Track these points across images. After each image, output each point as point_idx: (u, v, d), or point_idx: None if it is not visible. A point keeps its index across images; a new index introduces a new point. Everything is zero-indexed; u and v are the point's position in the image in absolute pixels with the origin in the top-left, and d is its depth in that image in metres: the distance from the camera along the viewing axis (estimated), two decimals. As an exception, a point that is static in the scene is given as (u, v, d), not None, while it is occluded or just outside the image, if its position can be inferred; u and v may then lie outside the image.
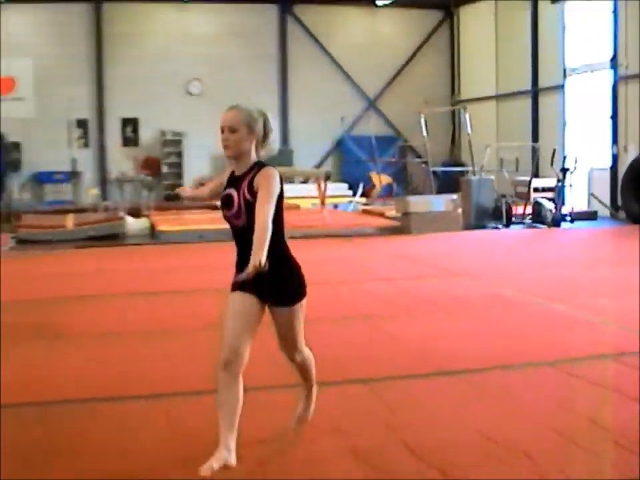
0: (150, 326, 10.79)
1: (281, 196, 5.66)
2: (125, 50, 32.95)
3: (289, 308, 5.85)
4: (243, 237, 5.65)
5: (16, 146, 30.95)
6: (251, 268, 5.24)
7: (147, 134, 33.54)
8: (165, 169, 33.43)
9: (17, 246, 20.93)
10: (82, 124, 32.45)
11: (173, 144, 33.55)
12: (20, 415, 7.18)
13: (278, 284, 5.72)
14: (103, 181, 32.86)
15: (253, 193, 5.57)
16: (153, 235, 22.13)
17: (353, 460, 5.81)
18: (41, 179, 32.11)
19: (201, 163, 33.22)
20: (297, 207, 27.55)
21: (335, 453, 5.97)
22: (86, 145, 32.89)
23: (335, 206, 27.63)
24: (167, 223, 23.10)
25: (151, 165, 32.90)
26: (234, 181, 5.78)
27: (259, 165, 5.73)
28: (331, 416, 6.77)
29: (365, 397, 7.35)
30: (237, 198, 5.65)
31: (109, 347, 9.71)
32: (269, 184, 5.56)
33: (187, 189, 7.26)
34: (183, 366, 8.69)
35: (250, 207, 5.56)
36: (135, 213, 24.98)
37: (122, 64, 32.84)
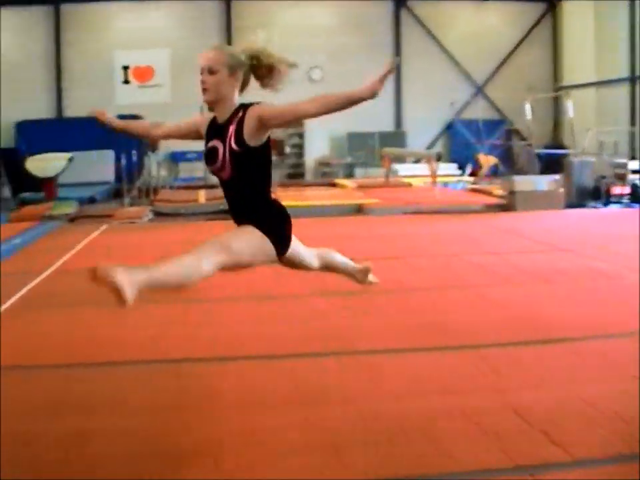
0: (274, 291, 10.85)
1: (268, 147, 4.98)
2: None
3: (253, 227, 5.05)
4: (232, 189, 5.03)
5: (153, 128, 31.45)
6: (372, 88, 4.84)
7: (272, 117, 33.72)
8: (288, 149, 33.66)
9: (154, 218, 21.35)
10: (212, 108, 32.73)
11: (296, 126, 33.70)
12: (156, 370, 7.31)
13: (261, 222, 5.03)
14: (232, 159, 33.27)
15: (242, 143, 4.78)
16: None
17: (461, 419, 5.76)
18: (176, 158, 32.69)
19: (322, 144, 33.46)
20: (409, 185, 27.54)
21: (445, 411, 5.93)
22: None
23: (445, 185, 27.44)
24: (290, 198, 23.18)
25: (275, 145, 33.05)
26: (217, 130, 4.95)
27: (244, 107, 4.91)
28: (441, 378, 6.74)
29: (473, 361, 7.27)
30: (221, 150, 4.85)
31: (233, 309, 9.83)
32: (268, 106, 4.90)
33: (112, 117, 6.09)
34: (299, 328, 8.71)
35: (238, 158, 4.81)
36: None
37: (249, 53, 33.08)
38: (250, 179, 4.87)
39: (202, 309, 9.78)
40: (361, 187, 27.11)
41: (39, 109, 32.51)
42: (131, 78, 33.20)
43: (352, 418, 5.83)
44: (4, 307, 10.20)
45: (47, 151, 26.51)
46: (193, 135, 5.43)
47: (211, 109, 5.09)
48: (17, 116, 31.22)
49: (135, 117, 28.47)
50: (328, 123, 32.98)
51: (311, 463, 5.07)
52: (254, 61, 5.10)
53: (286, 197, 23.21)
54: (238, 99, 4.96)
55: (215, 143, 4.87)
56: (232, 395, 6.52)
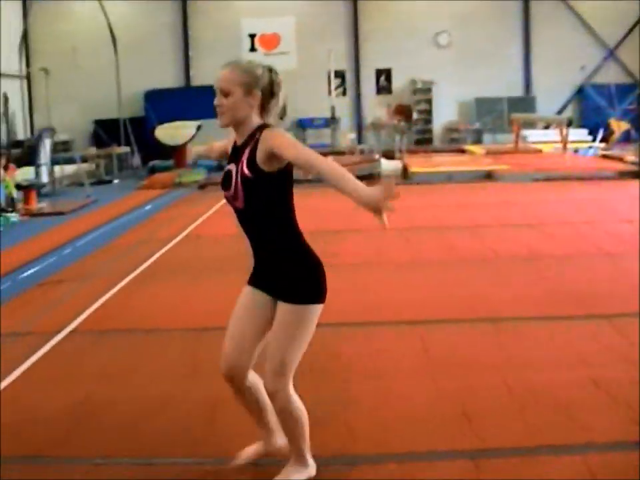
0: (405, 258, 10.87)
1: (288, 174, 4.25)
2: (378, 7, 33.01)
3: (286, 305, 4.22)
4: (245, 222, 4.30)
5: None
6: (374, 202, 3.82)
7: (399, 83, 33.67)
8: (415, 115, 33.53)
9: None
10: (340, 74, 32.83)
11: (423, 92, 33.56)
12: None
13: (284, 276, 4.22)
14: (359, 126, 33.40)
15: (255, 168, 4.10)
16: (405, 175, 22.20)
17: (594, 389, 5.70)
18: (303, 124, 32.90)
19: (449, 110, 33.23)
20: (540, 151, 27.11)
21: (576, 382, 5.87)
22: (344, 93, 33.43)
23: (575, 151, 26.88)
24: (418, 164, 23.16)
25: (402, 112, 33.02)
26: (234, 153, 4.31)
27: (261, 128, 4.22)
28: (576, 348, 6.66)
29: (607, 331, 7.15)
30: (234, 175, 4.19)
31: (367, 275, 9.89)
32: (285, 140, 4.11)
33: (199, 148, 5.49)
34: (435, 295, 8.73)
35: (249, 186, 4.12)
36: (389, 155, 25.13)
37: (376, 19, 32.98)
38: (267, 209, 4.17)
39: (343, 275, 9.88)
40: (489, 153, 26.83)
41: (167, 78, 33.10)
42: (257, 46, 33.52)
43: (484, 386, 5.83)
44: (137, 272, 10.50)
45: (175, 120, 27.02)
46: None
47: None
48: (145, 85, 31.86)
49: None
50: (456, 89, 32.73)
51: (440, 430, 5.10)
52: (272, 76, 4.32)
53: (415, 163, 23.16)
54: (257, 119, 4.25)
55: (231, 166, 4.25)
56: (365, 360, 6.59)
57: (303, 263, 4.23)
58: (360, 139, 31.94)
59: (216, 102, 4.24)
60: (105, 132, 28.90)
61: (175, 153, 26.15)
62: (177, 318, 8.25)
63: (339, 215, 15.03)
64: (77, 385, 6.31)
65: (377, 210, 3.85)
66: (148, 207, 18.17)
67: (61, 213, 17.85)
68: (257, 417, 4.58)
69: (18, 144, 27.59)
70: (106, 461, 4.87)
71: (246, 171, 4.11)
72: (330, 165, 4.01)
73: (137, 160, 29.08)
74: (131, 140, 28.44)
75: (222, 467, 4.68)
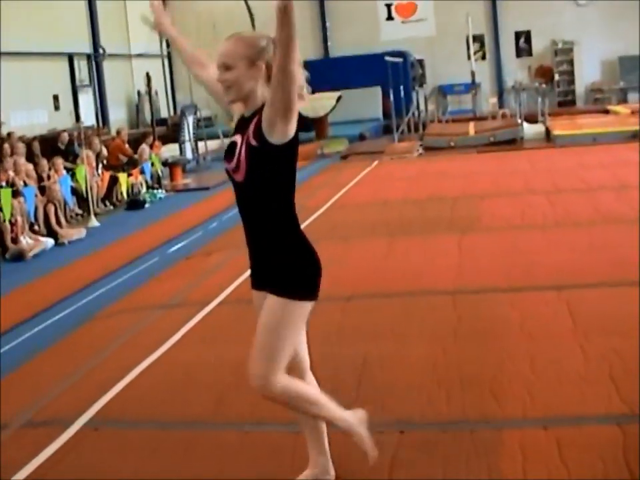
0: (550, 221, 10.74)
1: (293, 153, 3.99)
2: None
3: (272, 296, 3.89)
4: (243, 199, 4.00)
5: (420, 62, 31.57)
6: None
7: (539, 44, 33.01)
8: (557, 77, 32.84)
9: (424, 152, 21.50)
10: (478, 38, 32.42)
11: (564, 52, 32.80)
12: (437, 300, 7.45)
13: (274, 265, 3.91)
14: (500, 90, 32.95)
15: (262, 137, 3.82)
16: (548, 138, 21.83)
17: None
18: (444, 90, 32.72)
19: (592, 70, 32.36)
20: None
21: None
22: (483, 57, 33.00)
23: None
24: (561, 127, 22.72)
25: (544, 73, 32.42)
26: (241, 124, 4.03)
27: None
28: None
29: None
30: (239, 145, 3.91)
31: (512, 239, 9.82)
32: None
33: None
34: (584, 257, 8.60)
35: (253, 156, 3.84)
36: (531, 118, 24.75)
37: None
38: (267, 185, 3.90)
39: (487, 239, 9.86)
40: (635, 112, 26.05)
41: (306, 50, 33.21)
42: (394, 14, 33.39)
43: (631, 350, 5.74)
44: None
45: (315, 91, 27.09)
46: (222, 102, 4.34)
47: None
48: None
49: (400, 53, 28.71)
50: (598, 48, 31.84)
51: (588, 395, 5.07)
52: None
53: (558, 125, 22.73)
54: (266, 93, 3.93)
55: (236, 137, 3.98)
56: (512, 325, 6.57)
57: (295, 254, 3.90)
58: (501, 103, 31.49)
59: (218, 77, 3.99)
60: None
61: (317, 124, 26.34)
62: (324, 285, 8.36)
63: (482, 179, 14.96)
64: (228, 351, 6.49)
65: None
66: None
67: (205, 188, 18.28)
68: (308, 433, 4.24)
69: (162, 122, 28.27)
70: (256, 427, 5.01)
71: (252, 140, 3.84)
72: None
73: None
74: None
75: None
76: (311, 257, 3.94)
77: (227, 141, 4.10)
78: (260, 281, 4.00)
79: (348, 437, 4.09)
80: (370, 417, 4.85)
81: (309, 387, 4.13)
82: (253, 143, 3.82)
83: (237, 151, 3.89)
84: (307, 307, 3.95)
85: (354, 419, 4.14)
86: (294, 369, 4.11)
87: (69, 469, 4.72)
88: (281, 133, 3.87)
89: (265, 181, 3.87)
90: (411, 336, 6.51)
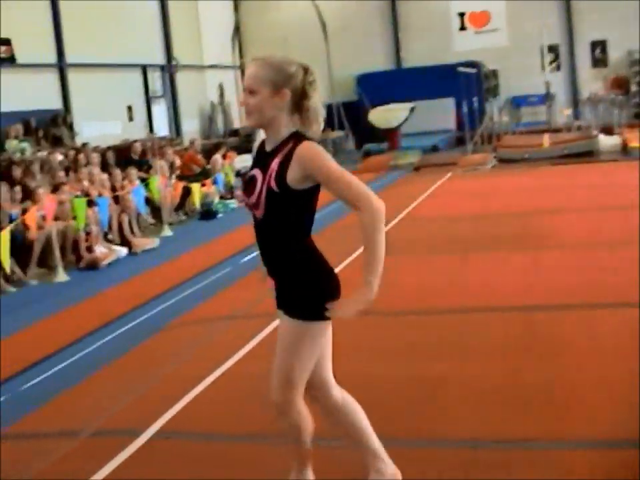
0: (625, 236, 10.56)
1: (315, 193, 3.82)
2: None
3: (287, 318, 3.92)
4: (261, 231, 3.93)
5: (494, 73, 31.38)
6: (356, 305, 3.71)
7: (615, 54, 32.53)
8: (633, 88, 32.35)
9: (498, 164, 21.34)
10: (553, 49, 32.10)
11: (641, 63, 32.35)
12: (508, 317, 7.39)
13: (289, 288, 3.90)
14: (575, 101, 32.54)
15: (284, 184, 3.73)
16: (625, 151, 21.51)
17: None
18: (517, 102, 32.45)
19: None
20: None
21: None
22: (557, 68, 32.64)
23: None
24: (638, 139, 22.36)
25: (620, 84, 31.95)
26: (262, 157, 3.90)
27: (295, 138, 3.79)
28: None
29: None
30: (259, 184, 3.80)
31: (585, 256, 9.69)
32: (322, 162, 3.71)
33: None
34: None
35: (274, 199, 3.75)
36: (607, 130, 24.42)
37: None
38: (285, 223, 3.84)
39: (551, 256, 9.74)
40: None
41: (378, 61, 33.31)
42: (467, 24, 33.24)
43: None
44: (357, 253, 10.66)
45: (388, 102, 27.17)
46: None
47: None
48: (357, 69, 32.18)
49: (473, 64, 28.57)
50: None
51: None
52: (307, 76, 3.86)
53: (635, 138, 22.38)
54: (288, 123, 3.84)
55: (256, 172, 3.86)
56: (579, 342, 6.49)
57: (310, 277, 3.86)
58: (576, 115, 31.11)
59: (241, 101, 3.91)
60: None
61: (389, 136, 26.33)
62: (395, 300, 8.36)
63: (556, 193, 14.80)
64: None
65: (359, 306, 3.70)
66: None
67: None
68: (357, 440, 4.19)
69: (235, 132, 28.49)
70: (321, 442, 4.97)
71: (273, 185, 3.74)
72: (373, 215, 3.68)
73: (350, 143, 29.47)
74: (345, 124, 28.82)
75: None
76: (327, 280, 3.88)
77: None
78: (279, 301, 3.99)
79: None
80: (442, 433, 4.85)
81: (309, 421, 4.09)
82: (275, 188, 3.74)
83: (258, 190, 3.79)
84: (320, 326, 3.90)
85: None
86: (316, 388, 4.12)
87: (137, 477, 4.77)
88: (311, 182, 3.79)
89: (284, 219, 3.83)
90: (482, 353, 6.46)
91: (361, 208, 3.69)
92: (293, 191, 3.75)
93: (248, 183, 3.89)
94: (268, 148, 3.86)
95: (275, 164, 3.75)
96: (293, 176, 3.72)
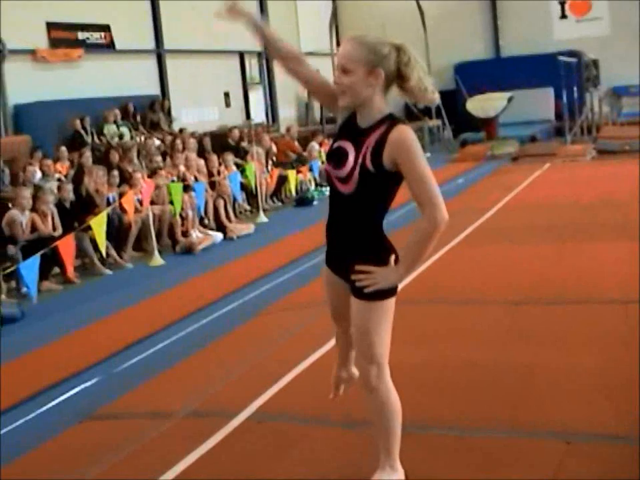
0: None
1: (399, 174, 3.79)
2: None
3: (359, 301, 3.96)
4: (343, 206, 3.95)
5: (594, 63, 30.79)
6: (384, 279, 3.82)
7: None
8: None
9: (597, 155, 20.95)
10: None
11: None
12: (618, 309, 7.23)
13: (359, 263, 3.89)
14: (679, 91, 31.76)
15: (379, 164, 3.72)
16: None
17: None
18: (618, 92, 31.78)
19: None
20: None
21: None
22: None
23: None
24: None
25: None
26: (354, 131, 3.86)
27: (391, 121, 3.78)
28: None
29: None
30: (352, 159, 3.79)
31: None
32: (411, 153, 3.71)
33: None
34: None
35: (367, 179, 3.76)
36: None
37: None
38: (372, 200, 3.88)
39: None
40: None
41: (477, 49, 32.97)
42: (568, 12, 32.66)
43: None
44: (450, 245, 10.57)
45: (486, 91, 26.90)
46: (325, 100, 4.25)
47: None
48: (455, 58, 31.90)
49: (574, 53, 28.08)
50: None
51: None
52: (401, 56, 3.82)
53: None
54: (382, 103, 3.85)
55: (347, 145, 3.84)
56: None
57: (382, 258, 3.88)
58: (680, 105, 30.40)
59: (335, 79, 3.85)
60: (416, 106, 29.16)
61: (487, 125, 26.07)
62: (492, 289, 8.28)
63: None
64: (392, 351, 6.44)
65: (390, 282, 3.84)
66: (460, 180, 18.25)
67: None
68: (344, 352, 4.45)
69: (331, 120, 28.47)
70: (418, 429, 4.95)
71: (369, 164, 3.74)
72: (433, 226, 3.69)
73: (448, 133, 29.28)
74: (442, 113, 28.59)
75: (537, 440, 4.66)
76: (392, 261, 3.89)
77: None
78: (339, 269, 4.04)
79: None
80: (534, 424, 4.77)
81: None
82: (370, 168, 3.74)
83: (350, 165, 3.79)
84: (391, 302, 3.97)
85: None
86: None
87: (230, 459, 4.79)
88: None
89: (371, 196, 3.86)
90: (579, 344, 6.34)
91: (426, 213, 3.71)
92: (386, 173, 3.77)
93: (336, 154, 3.87)
94: (361, 124, 3.85)
95: (371, 142, 3.76)
96: (388, 158, 3.72)
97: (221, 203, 14.32)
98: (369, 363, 4.02)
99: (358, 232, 3.92)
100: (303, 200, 17.22)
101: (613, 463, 4.37)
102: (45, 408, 6.29)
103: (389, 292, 3.92)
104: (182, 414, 5.57)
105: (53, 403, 6.39)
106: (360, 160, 3.76)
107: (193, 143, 17.70)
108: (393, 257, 3.89)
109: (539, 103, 29.23)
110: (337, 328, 4.41)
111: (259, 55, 28.26)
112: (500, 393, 5.44)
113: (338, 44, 32.71)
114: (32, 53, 19.33)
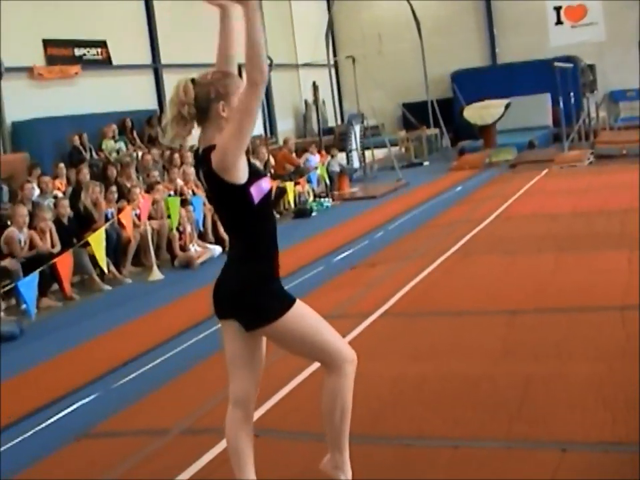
0: None
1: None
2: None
3: (264, 329, 4.10)
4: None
5: (591, 68, 30.79)
6: None
7: None
8: None
9: (595, 160, 20.93)
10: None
11: None
12: (615, 317, 7.21)
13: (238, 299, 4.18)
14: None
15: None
16: None
17: None
18: (615, 97, 31.81)
19: None
20: None
21: None
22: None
23: None
24: None
25: None
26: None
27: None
28: None
29: None
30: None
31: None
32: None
33: None
34: None
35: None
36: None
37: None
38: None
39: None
40: None
41: (473, 57, 32.98)
42: (563, 18, 32.69)
43: None
44: (447, 255, 10.57)
45: (483, 99, 26.90)
46: None
47: None
48: (452, 66, 31.90)
49: (570, 59, 28.09)
50: None
51: None
52: None
53: None
54: None
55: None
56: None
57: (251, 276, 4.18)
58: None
59: None
60: (413, 115, 29.21)
61: (485, 133, 26.07)
62: (488, 300, 8.26)
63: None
64: (387, 366, 6.45)
65: None
66: (459, 189, 18.26)
67: (372, 197, 18.34)
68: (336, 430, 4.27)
69: (329, 131, 28.52)
70: (416, 442, 4.95)
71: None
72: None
73: (446, 141, 29.25)
74: (440, 121, 28.58)
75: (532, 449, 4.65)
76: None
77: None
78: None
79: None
80: (530, 434, 4.76)
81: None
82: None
83: None
84: (294, 311, 4.01)
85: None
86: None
87: (227, 475, 4.77)
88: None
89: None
90: (576, 353, 6.33)
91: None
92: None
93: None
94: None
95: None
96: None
97: (219, 216, 14.30)
98: (318, 353, 4.05)
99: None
100: (301, 212, 17.22)
101: (610, 472, 4.35)
102: (42, 425, 6.28)
103: (282, 304, 4.00)
104: (177, 431, 5.56)
105: (51, 420, 6.38)
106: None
107: (190, 156, 17.67)
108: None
109: (536, 109, 29.24)
110: (240, 415, 4.28)
111: (256, 67, 28.22)
112: (496, 402, 5.42)
113: (335, 54, 32.80)
114: (29, 70, 19.39)
